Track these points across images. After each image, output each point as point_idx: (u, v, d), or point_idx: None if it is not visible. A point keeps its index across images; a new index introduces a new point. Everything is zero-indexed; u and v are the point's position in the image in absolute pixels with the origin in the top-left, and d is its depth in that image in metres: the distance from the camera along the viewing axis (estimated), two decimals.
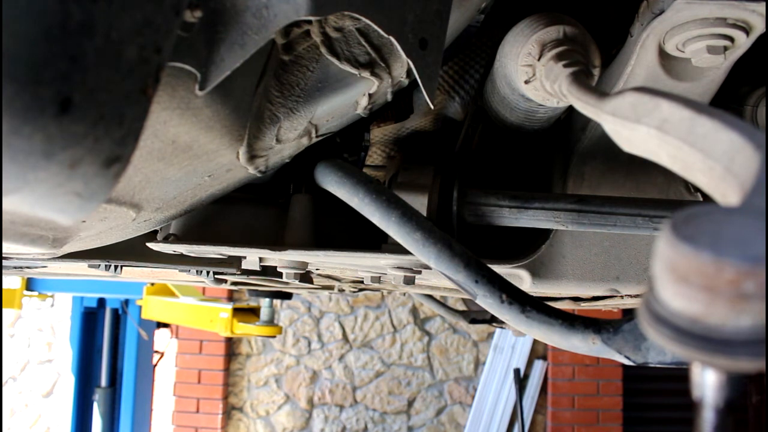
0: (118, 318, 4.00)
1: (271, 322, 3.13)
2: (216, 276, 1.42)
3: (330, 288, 1.91)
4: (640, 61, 0.78)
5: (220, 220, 0.95)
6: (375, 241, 0.93)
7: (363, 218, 0.77)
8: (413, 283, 0.96)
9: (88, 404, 3.95)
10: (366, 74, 0.65)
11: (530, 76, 0.79)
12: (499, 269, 0.97)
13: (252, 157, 0.68)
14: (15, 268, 1.33)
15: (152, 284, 3.52)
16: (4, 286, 3.56)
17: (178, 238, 0.93)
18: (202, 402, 4.92)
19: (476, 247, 1.01)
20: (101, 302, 3.93)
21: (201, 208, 0.89)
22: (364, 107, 0.73)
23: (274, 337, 3.34)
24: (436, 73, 0.66)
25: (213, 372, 4.94)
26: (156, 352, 4.56)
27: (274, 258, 0.91)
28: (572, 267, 1.00)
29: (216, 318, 3.17)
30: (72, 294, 3.84)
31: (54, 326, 5.51)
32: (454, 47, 0.96)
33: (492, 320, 2.67)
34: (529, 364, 4.88)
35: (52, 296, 3.88)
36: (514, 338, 4.82)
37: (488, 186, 1.04)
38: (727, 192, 0.34)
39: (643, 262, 0.99)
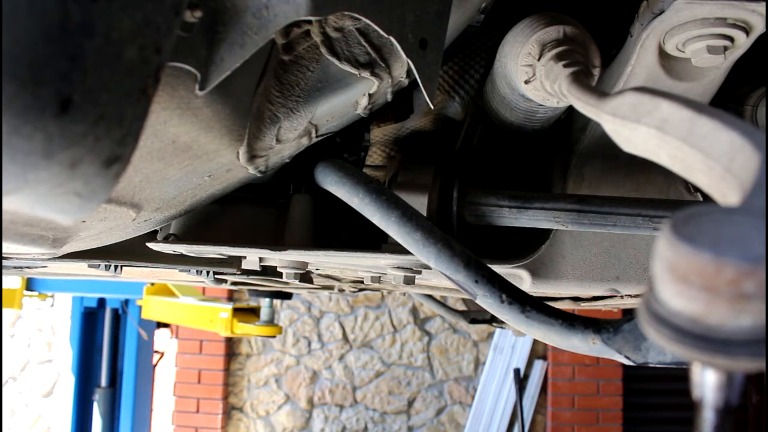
0: (118, 318, 4.00)
1: (271, 322, 3.13)
2: (216, 276, 1.42)
3: (330, 288, 1.91)
4: (640, 61, 0.78)
5: (220, 220, 0.95)
6: (375, 241, 0.93)
7: (363, 218, 0.77)
8: (413, 283, 0.96)
9: (88, 404, 3.94)
10: (366, 74, 0.65)
11: (530, 76, 0.79)
12: (499, 269, 0.97)
13: (252, 157, 0.68)
14: (15, 268, 1.33)
15: (152, 284, 3.52)
16: (4, 286, 3.56)
17: (178, 238, 0.93)
18: (202, 402, 4.91)
19: (476, 247, 1.01)
20: (101, 302, 3.93)
21: (201, 208, 0.89)
22: (364, 107, 0.73)
23: (274, 337, 3.34)
24: (436, 73, 0.66)
25: (213, 372, 4.94)
26: (156, 352, 4.56)
27: (274, 258, 0.91)
28: (572, 267, 1.00)
29: (216, 318, 3.17)
30: (72, 294, 3.84)
31: (54, 326, 5.51)
32: (454, 47, 0.96)
33: (492, 320, 2.67)
34: (529, 364, 4.88)
35: (52, 296, 3.88)
36: (514, 338, 4.82)
37: (488, 186, 1.04)
38: (727, 192, 0.34)
39: (643, 262, 0.99)
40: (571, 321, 0.68)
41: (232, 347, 5.08)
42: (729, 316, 0.26)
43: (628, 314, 0.69)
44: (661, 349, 0.65)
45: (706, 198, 0.99)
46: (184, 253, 0.93)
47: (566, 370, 4.84)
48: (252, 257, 0.92)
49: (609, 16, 0.98)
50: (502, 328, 3.29)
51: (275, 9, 0.45)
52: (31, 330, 5.54)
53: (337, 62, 0.62)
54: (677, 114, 0.39)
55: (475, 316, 2.75)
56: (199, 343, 4.92)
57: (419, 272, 0.94)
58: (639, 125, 0.43)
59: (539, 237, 1.01)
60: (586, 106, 0.58)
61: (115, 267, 1.17)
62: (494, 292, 0.70)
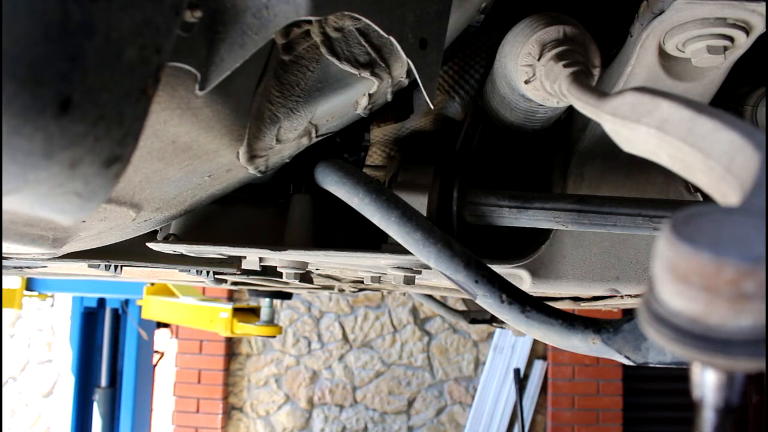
0: (118, 318, 4.00)
1: (271, 322, 3.12)
2: (216, 276, 1.42)
3: (330, 288, 1.91)
4: (640, 61, 0.78)
5: (220, 220, 0.95)
6: (375, 241, 0.93)
7: (363, 218, 0.77)
8: (413, 283, 0.96)
9: (88, 404, 3.94)
10: (366, 74, 0.65)
11: (530, 76, 0.79)
12: (499, 269, 0.97)
13: (252, 157, 0.68)
14: (15, 268, 1.33)
15: (152, 284, 3.52)
16: (4, 286, 3.56)
17: (178, 238, 0.93)
18: (202, 402, 4.91)
19: (476, 247, 1.01)
20: (101, 302, 3.93)
21: (201, 208, 0.89)
22: (364, 107, 0.73)
23: (274, 337, 3.34)
24: (436, 73, 0.66)
25: (213, 372, 4.94)
26: (156, 352, 4.56)
27: (274, 258, 0.91)
28: (572, 267, 1.00)
29: (216, 318, 3.17)
30: (72, 294, 3.84)
31: (54, 326, 5.51)
32: (454, 47, 0.96)
33: (492, 320, 2.67)
34: (529, 364, 4.88)
35: (52, 296, 3.88)
36: (514, 338, 4.82)
37: (488, 186, 1.04)
38: (727, 192, 0.34)
39: (643, 262, 0.99)
40: (571, 321, 0.69)
41: (232, 347, 5.08)
42: (729, 316, 0.26)
43: (628, 314, 0.69)
44: (661, 349, 0.65)
45: (706, 198, 0.99)
46: (184, 253, 0.93)
47: (566, 370, 4.84)
48: (252, 257, 0.92)
49: (609, 16, 0.98)
50: (502, 328, 3.29)
51: (275, 9, 0.45)
52: (31, 330, 5.54)
53: (337, 62, 0.62)
54: (677, 114, 0.39)
55: (475, 316, 2.75)
56: (199, 343, 4.92)
57: (419, 272, 0.94)
58: (639, 125, 0.43)
59: (539, 237, 1.01)
60: (586, 106, 0.58)
61: (115, 267, 1.17)
62: (494, 292, 0.70)
